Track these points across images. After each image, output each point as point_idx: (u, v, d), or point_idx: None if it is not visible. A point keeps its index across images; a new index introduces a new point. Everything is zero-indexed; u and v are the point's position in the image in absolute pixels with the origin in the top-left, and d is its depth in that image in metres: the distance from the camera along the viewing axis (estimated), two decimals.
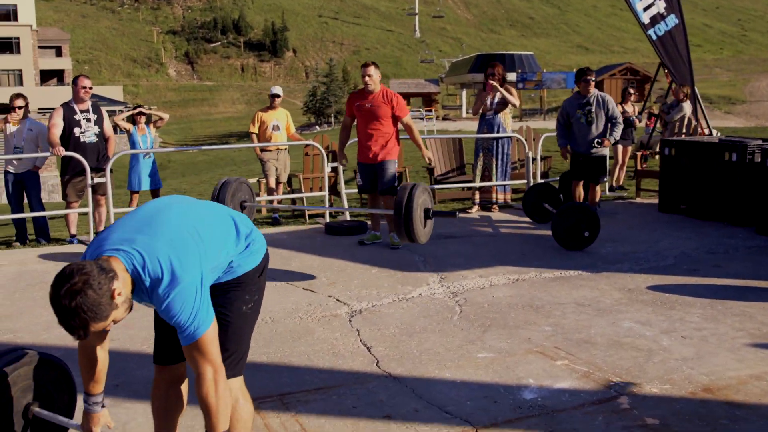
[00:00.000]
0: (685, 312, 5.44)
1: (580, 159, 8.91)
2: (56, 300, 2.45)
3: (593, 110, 8.71)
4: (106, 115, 8.78)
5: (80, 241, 8.61)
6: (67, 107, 8.42)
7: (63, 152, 8.17)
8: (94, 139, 8.47)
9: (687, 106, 12.35)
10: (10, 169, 8.90)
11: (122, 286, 2.52)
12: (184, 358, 2.97)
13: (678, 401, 3.88)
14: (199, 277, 2.63)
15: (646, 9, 13.11)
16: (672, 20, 13.25)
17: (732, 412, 3.75)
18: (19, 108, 8.80)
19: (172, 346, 2.96)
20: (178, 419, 3.17)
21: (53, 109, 8.84)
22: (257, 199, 9.91)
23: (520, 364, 4.42)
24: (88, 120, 8.44)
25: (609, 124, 8.76)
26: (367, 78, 7.57)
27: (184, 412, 3.21)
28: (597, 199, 9.13)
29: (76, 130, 8.35)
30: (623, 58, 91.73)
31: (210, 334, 2.64)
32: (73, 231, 8.75)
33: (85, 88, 8.39)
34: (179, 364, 3.08)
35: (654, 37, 13.06)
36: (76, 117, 8.37)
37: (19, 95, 8.93)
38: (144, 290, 2.60)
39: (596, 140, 8.75)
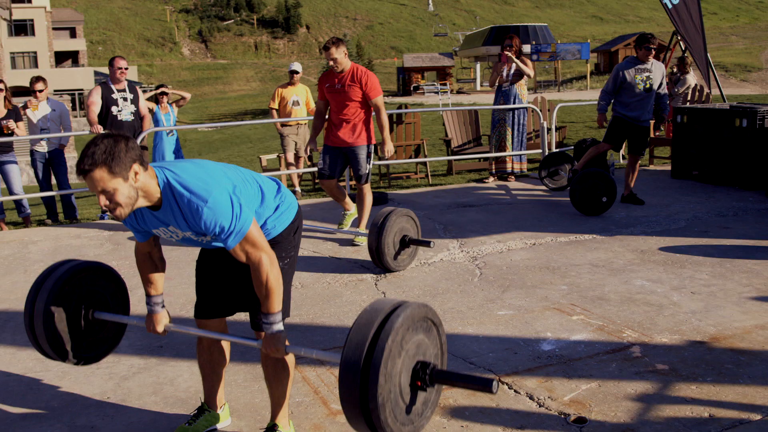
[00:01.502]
0: (695, 270, 5.71)
1: (628, 125, 8.38)
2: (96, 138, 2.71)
3: (653, 77, 8.22)
4: (141, 95, 9.09)
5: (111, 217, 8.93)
6: (104, 87, 8.72)
7: (101, 130, 8.47)
8: (131, 117, 8.77)
9: (691, 77, 12.57)
10: (39, 149, 9.24)
11: (144, 178, 2.75)
12: (224, 312, 3.29)
13: (686, 349, 4.16)
14: (231, 184, 2.87)
15: None
16: None
17: (736, 357, 4.02)
18: (40, 91, 9.14)
19: (213, 300, 3.27)
20: (223, 372, 3.47)
21: (69, 90, 9.17)
22: (278, 173, 10.20)
23: (538, 320, 4.71)
24: (125, 99, 8.73)
25: (661, 96, 8.44)
26: (330, 62, 6.78)
27: (227, 365, 3.50)
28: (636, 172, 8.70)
29: (114, 109, 8.64)
30: (638, 28, 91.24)
31: (254, 228, 2.88)
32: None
33: (121, 68, 8.68)
34: (220, 319, 3.33)
35: (669, 6, 13.19)
36: (114, 96, 8.66)
37: (39, 78, 9.27)
38: (178, 209, 2.80)
39: (662, 116, 8.61)
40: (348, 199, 7.33)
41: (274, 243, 3.16)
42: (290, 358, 3.26)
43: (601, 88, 8.61)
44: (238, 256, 2.89)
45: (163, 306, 3.29)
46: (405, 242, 5.93)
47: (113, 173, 2.66)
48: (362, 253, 6.60)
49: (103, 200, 2.71)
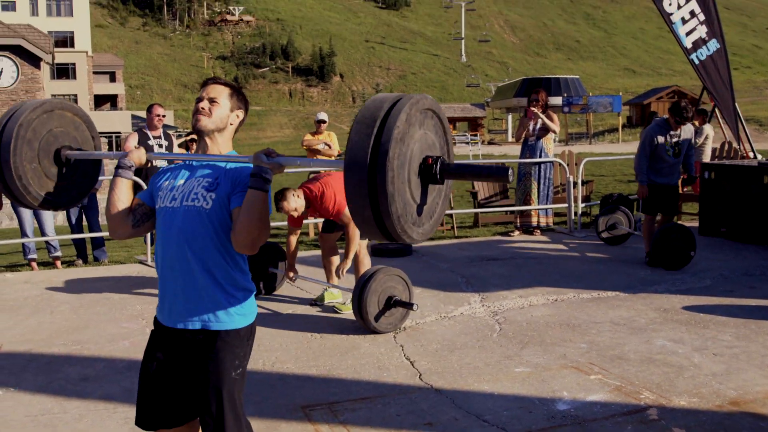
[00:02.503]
0: (718, 331, 5.65)
1: (660, 189, 8.26)
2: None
3: (682, 142, 8.15)
4: (175, 143, 9.25)
5: (140, 262, 9.03)
6: (141, 133, 8.90)
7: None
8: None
9: (708, 128, 12.64)
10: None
11: (233, 127, 3.00)
12: (174, 423, 2.90)
13: (705, 413, 4.10)
14: None
15: (688, 34, 13.28)
16: (713, 45, 13.41)
17: (757, 423, 3.96)
18: None
19: (163, 409, 2.87)
20: None
21: (106, 133, 9.42)
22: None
23: (555, 378, 4.68)
24: (160, 146, 8.90)
25: (689, 156, 8.29)
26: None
27: None
28: None
29: None
30: (671, 81, 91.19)
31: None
32: (149, 249, 9.08)
33: (158, 116, 8.87)
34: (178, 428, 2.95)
35: (696, 62, 13.22)
36: (150, 142, 8.83)
37: None
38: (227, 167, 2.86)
39: (691, 175, 8.56)
40: (334, 276, 6.66)
41: (230, 342, 2.81)
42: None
43: (636, 157, 8.39)
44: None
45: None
46: (390, 303, 5.76)
47: (230, 97, 2.96)
48: None
49: (205, 103, 2.89)
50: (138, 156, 3.11)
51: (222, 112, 2.92)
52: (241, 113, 3.01)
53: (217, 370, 2.75)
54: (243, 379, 2.86)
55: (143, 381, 2.89)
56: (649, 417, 4.06)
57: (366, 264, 6.55)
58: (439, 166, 2.53)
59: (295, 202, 6.19)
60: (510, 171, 2.54)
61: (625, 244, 9.46)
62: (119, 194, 3.01)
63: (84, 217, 9.63)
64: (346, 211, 6.07)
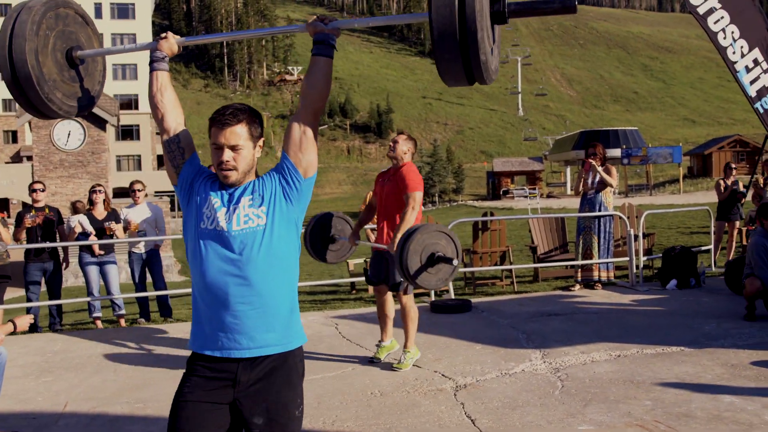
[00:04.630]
0: None
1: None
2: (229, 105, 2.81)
3: None
4: None
5: None
6: None
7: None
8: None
9: None
10: (136, 250, 9.65)
11: (256, 157, 2.85)
12: None
13: None
14: None
15: (752, 82, 13.12)
16: None
17: None
18: (139, 191, 9.63)
19: None
20: None
21: (168, 192, 9.73)
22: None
23: None
24: None
25: None
26: (390, 149, 6.53)
27: None
28: None
29: None
30: (732, 130, 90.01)
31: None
32: None
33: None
34: None
35: (761, 110, 13.04)
36: None
37: (137, 181, 9.81)
38: (256, 184, 2.82)
39: None
40: (389, 329, 6.64)
41: (290, 382, 2.79)
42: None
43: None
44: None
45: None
46: (433, 260, 5.36)
47: (250, 134, 2.80)
48: (443, 361, 6.57)
49: (227, 155, 2.74)
50: (169, 46, 3.08)
51: (247, 156, 2.79)
52: (261, 140, 2.88)
53: None
54: (301, 418, 2.90)
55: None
56: None
57: (413, 316, 6.46)
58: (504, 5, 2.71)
59: None
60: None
61: (688, 298, 9.28)
62: (163, 83, 3.06)
63: (147, 274, 9.83)
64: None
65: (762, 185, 12.81)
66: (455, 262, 5.33)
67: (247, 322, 2.71)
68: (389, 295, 6.60)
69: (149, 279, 9.95)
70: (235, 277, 2.71)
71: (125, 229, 9.44)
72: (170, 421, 2.71)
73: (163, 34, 3.09)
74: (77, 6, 3.30)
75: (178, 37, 3.10)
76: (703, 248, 12.35)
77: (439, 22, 2.52)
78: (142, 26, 72.89)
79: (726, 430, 4.62)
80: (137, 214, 9.61)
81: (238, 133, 2.75)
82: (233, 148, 2.75)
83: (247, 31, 3.28)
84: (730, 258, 12.44)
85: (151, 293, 9.79)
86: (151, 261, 9.74)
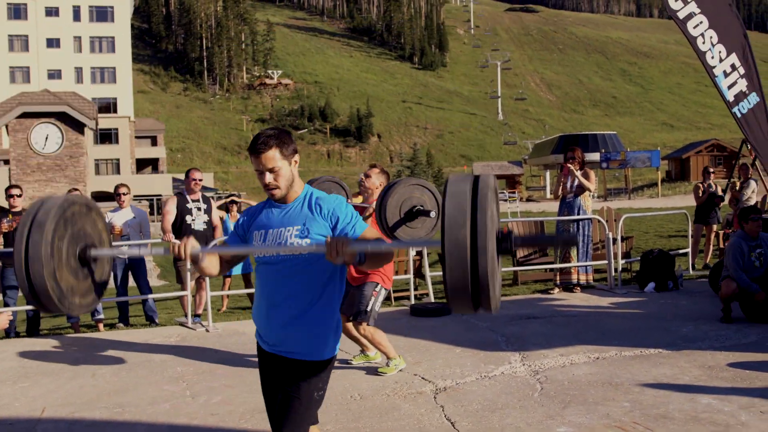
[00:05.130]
0: (765, 388, 5.53)
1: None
2: (262, 131, 3.31)
3: (764, 252, 8.02)
4: (214, 206, 9.40)
5: (180, 324, 9.11)
6: (180, 197, 9.07)
7: (173, 238, 8.75)
8: (203, 226, 9.06)
9: (753, 182, 12.63)
10: (119, 255, 9.56)
11: (295, 172, 3.34)
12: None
13: None
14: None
15: (730, 87, 13.25)
16: (753, 98, 13.35)
17: None
18: (125, 195, 9.55)
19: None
20: None
21: (148, 196, 9.62)
22: None
23: None
24: (199, 209, 9.05)
25: None
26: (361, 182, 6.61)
27: None
28: None
29: (188, 218, 8.96)
30: (709, 135, 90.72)
31: (368, 230, 3.35)
32: (189, 311, 9.13)
33: (195, 180, 9.04)
34: None
35: (739, 115, 13.18)
36: (188, 206, 8.99)
37: (123, 184, 9.69)
38: (308, 203, 3.33)
39: None
40: (367, 344, 6.65)
41: (320, 368, 3.37)
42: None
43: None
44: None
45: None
46: (412, 213, 5.40)
47: (283, 155, 3.26)
48: (423, 364, 6.58)
49: (269, 178, 3.25)
50: (182, 252, 3.20)
51: (286, 173, 3.29)
52: (296, 156, 3.34)
53: None
54: (321, 401, 3.46)
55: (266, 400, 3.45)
56: None
57: (379, 339, 6.32)
58: (512, 239, 2.85)
59: None
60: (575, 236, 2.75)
61: (665, 301, 9.35)
62: (212, 267, 3.42)
63: (130, 278, 9.77)
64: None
65: (739, 189, 12.94)
66: (432, 214, 5.39)
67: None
68: (349, 325, 6.38)
69: (131, 284, 9.90)
70: None
71: (110, 233, 9.37)
72: None
73: (177, 242, 3.23)
74: (80, 198, 3.32)
75: (197, 245, 3.25)
76: (681, 251, 12.45)
77: (452, 281, 2.69)
78: (120, 29, 72.56)
79: (703, 431, 4.66)
80: (122, 217, 9.55)
81: (271, 156, 3.24)
82: (271, 171, 3.26)
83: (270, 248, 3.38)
84: (708, 261, 12.54)
85: (132, 297, 9.74)
86: (135, 266, 9.67)
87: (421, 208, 5.39)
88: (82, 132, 29.81)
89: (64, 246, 3.09)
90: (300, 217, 3.30)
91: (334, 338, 3.40)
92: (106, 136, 68.30)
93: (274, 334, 3.36)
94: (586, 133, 66.76)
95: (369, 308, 6.17)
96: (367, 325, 6.19)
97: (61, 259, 3.05)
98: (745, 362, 6.28)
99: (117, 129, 68.82)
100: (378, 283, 6.20)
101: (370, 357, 6.73)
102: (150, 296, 9.71)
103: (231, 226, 11.16)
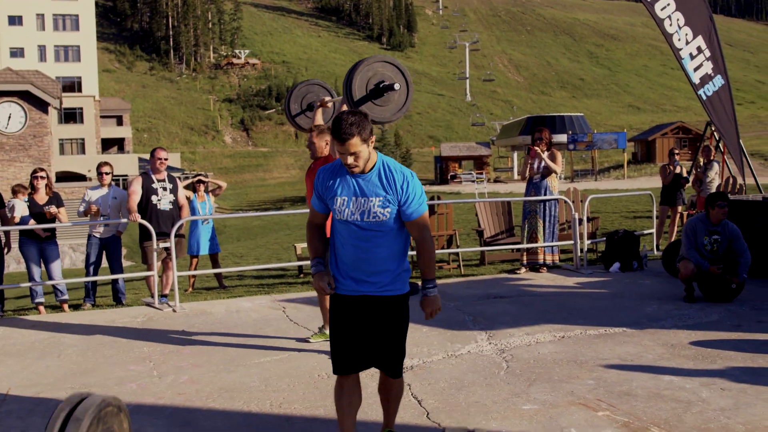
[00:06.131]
0: (726, 365, 5.63)
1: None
2: (343, 115, 3.76)
3: (721, 239, 8.12)
4: (180, 185, 9.32)
5: (147, 304, 9.06)
6: (145, 177, 8.97)
7: (139, 219, 8.68)
8: (169, 206, 8.99)
9: (716, 164, 12.84)
10: (96, 234, 9.49)
11: (372, 147, 3.84)
12: (363, 367, 3.96)
13: None
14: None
15: (696, 69, 13.39)
16: (719, 81, 13.51)
17: None
18: (107, 174, 9.46)
19: (358, 356, 3.93)
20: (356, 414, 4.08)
21: (114, 176, 9.54)
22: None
23: (563, 415, 4.67)
24: (164, 189, 8.96)
25: (740, 260, 8.02)
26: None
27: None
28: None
29: (153, 198, 8.87)
30: (675, 117, 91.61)
31: (427, 212, 3.92)
32: (156, 291, 9.08)
33: (161, 159, 8.94)
34: (358, 373, 3.99)
35: (704, 97, 13.32)
36: (154, 186, 8.90)
37: (106, 163, 9.60)
38: (383, 174, 3.83)
39: (732, 284, 8.01)
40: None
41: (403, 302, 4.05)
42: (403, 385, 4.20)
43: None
44: (414, 226, 3.89)
45: (325, 266, 4.02)
46: (379, 89, 5.45)
47: (362, 140, 3.73)
48: None
49: (350, 159, 3.74)
50: (320, 284, 3.97)
51: (364, 155, 3.77)
52: (373, 137, 3.82)
53: None
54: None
55: (335, 333, 3.98)
56: None
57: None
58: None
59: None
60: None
61: (630, 281, 9.48)
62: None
63: (104, 259, 9.70)
64: None
65: (703, 170, 13.08)
66: (396, 86, 5.52)
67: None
68: None
69: (102, 264, 9.84)
70: None
71: (86, 213, 9.29)
72: None
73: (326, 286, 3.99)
74: (114, 400, 3.46)
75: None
76: (646, 232, 12.59)
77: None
78: (84, 7, 71.37)
79: (665, 408, 4.74)
80: (102, 196, 9.46)
81: (354, 143, 3.72)
82: (353, 154, 3.74)
83: None
84: (672, 240, 12.69)
85: (102, 278, 9.67)
86: (110, 246, 9.60)
87: (386, 83, 5.51)
88: (45, 111, 29.42)
89: None
90: (379, 188, 3.82)
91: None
92: (71, 116, 67.41)
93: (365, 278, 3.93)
94: (554, 114, 66.96)
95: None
96: None
97: None
98: (706, 341, 6.39)
99: (82, 108, 67.88)
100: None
101: (327, 335, 6.68)
102: (120, 276, 9.64)
103: (198, 206, 11.10)
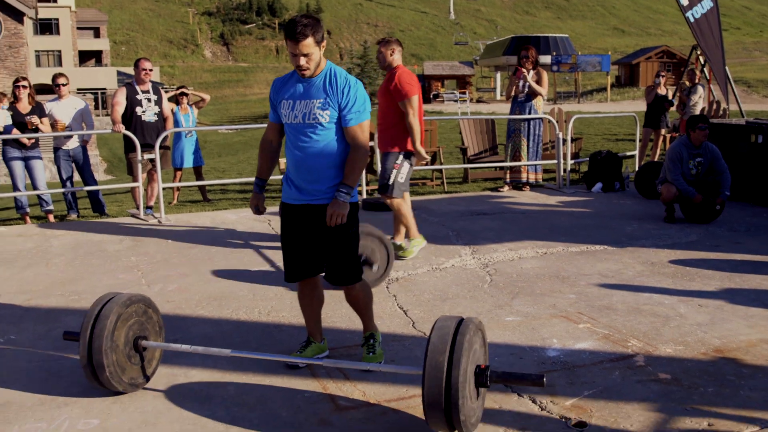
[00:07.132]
0: (704, 283, 5.78)
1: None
2: (297, 17, 3.79)
3: (704, 161, 8.26)
4: (164, 96, 9.24)
5: (132, 215, 9.09)
6: (129, 87, 8.87)
7: (123, 130, 8.63)
8: (154, 118, 8.92)
9: (700, 88, 12.82)
10: (63, 146, 9.42)
11: (322, 53, 3.88)
12: (315, 272, 4.15)
13: (690, 360, 4.23)
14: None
15: None
16: (707, 3, 13.45)
17: (739, 370, 4.09)
18: (64, 85, 9.33)
19: (304, 264, 4.10)
20: (320, 312, 4.38)
21: (92, 89, 9.44)
22: None
23: (545, 327, 4.80)
24: (149, 100, 8.89)
25: (720, 179, 8.17)
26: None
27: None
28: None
29: (138, 109, 8.80)
30: (660, 41, 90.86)
31: (367, 123, 3.99)
32: (141, 203, 9.07)
33: (145, 70, 8.84)
34: (315, 276, 4.19)
35: (692, 20, 13.27)
36: (138, 97, 8.82)
37: (61, 74, 9.46)
38: (328, 79, 3.90)
39: (716, 205, 8.11)
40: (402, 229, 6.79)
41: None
42: (369, 289, 4.32)
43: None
44: (350, 134, 3.94)
45: (265, 190, 4.25)
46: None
47: (316, 42, 3.79)
48: None
49: (302, 61, 3.79)
50: (255, 206, 4.28)
51: (315, 57, 3.83)
52: (324, 42, 3.86)
53: None
54: (358, 237, 4.23)
55: (285, 245, 4.14)
56: (636, 363, 4.18)
57: (404, 212, 6.65)
58: (488, 374, 3.30)
59: None
60: (544, 378, 3.26)
61: (612, 201, 9.59)
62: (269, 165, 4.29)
63: (76, 173, 9.66)
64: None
65: (687, 93, 13.11)
66: (375, 267, 5.61)
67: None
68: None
69: (76, 177, 9.79)
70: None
71: (52, 126, 9.20)
72: None
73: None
74: (141, 298, 3.98)
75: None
76: (629, 154, 12.67)
77: (429, 395, 3.12)
78: None
79: (644, 322, 4.88)
80: (62, 108, 9.35)
81: (307, 44, 3.76)
82: (305, 55, 3.79)
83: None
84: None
85: (80, 189, 9.65)
86: (79, 158, 9.55)
87: (366, 259, 5.55)
88: (21, 21, 28.79)
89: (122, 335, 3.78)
90: (321, 91, 3.89)
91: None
92: (47, 27, 65.83)
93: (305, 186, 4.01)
94: (538, 35, 66.40)
95: (392, 181, 6.48)
96: (393, 197, 6.49)
97: (118, 345, 3.74)
98: (685, 260, 6.53)
99: (57, 19, 66.25)
100: (399, 154, 6.49)
101: (396, 246, 6.70)
102: (99, 187, 9.63)
103: (181, 119, 11.01)
